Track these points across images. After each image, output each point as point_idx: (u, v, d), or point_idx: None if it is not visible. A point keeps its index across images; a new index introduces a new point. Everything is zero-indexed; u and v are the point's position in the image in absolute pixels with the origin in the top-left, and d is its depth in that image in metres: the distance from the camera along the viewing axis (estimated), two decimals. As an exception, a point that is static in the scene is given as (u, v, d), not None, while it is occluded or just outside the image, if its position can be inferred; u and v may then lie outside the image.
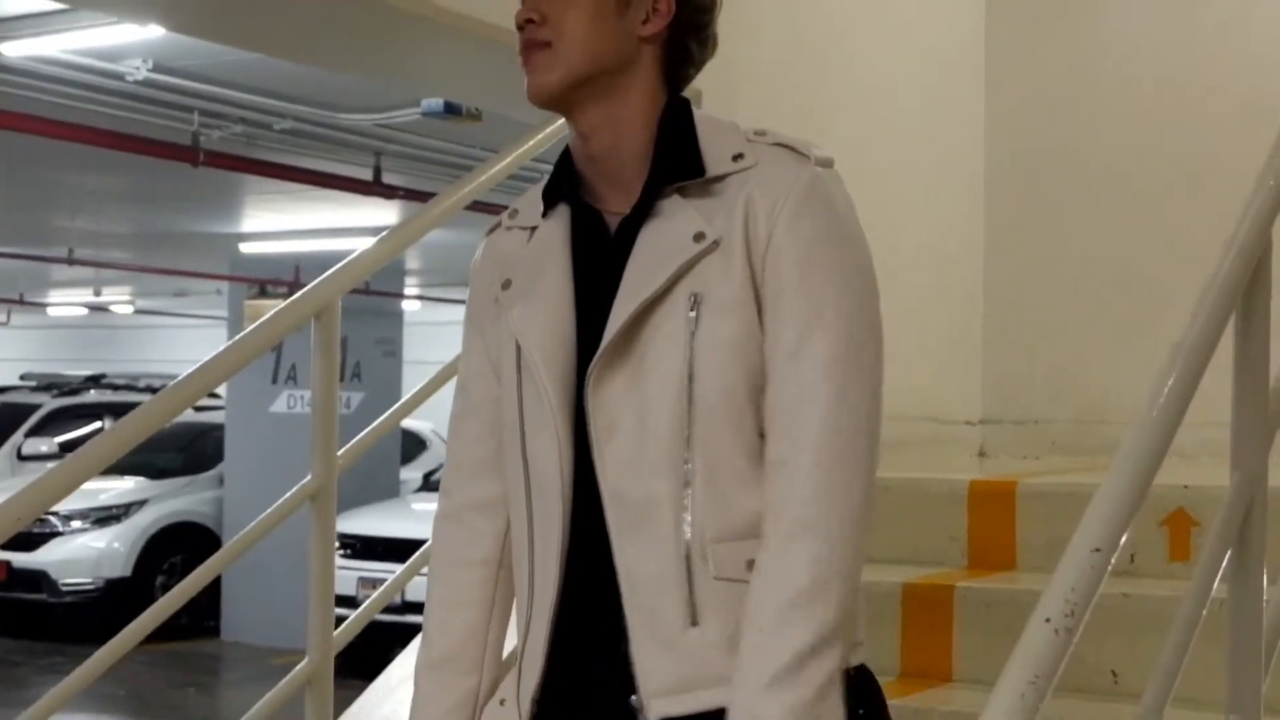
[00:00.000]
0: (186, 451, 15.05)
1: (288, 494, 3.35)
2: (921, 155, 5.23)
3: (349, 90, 6.87)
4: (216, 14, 3.64)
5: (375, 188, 8.91)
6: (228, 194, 10.08)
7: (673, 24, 1.98)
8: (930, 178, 5.30)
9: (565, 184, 2.02)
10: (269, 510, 3.34)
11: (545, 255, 2.00)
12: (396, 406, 3.91)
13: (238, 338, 3.24)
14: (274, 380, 13.81)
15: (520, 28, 1.96)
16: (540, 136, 3.83)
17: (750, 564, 1.86)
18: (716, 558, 1.86)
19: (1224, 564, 2.35)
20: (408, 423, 14.28)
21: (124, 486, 14.09)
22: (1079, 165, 5.46)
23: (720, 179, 1.92)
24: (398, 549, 10.53)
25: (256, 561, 13.60)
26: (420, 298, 17.61)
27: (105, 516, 13.79)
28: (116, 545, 13.70)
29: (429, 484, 14.02)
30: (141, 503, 14.07)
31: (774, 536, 1.83)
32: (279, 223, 11.78)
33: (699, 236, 1.88)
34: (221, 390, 17.28)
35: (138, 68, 6.40)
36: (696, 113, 2.00)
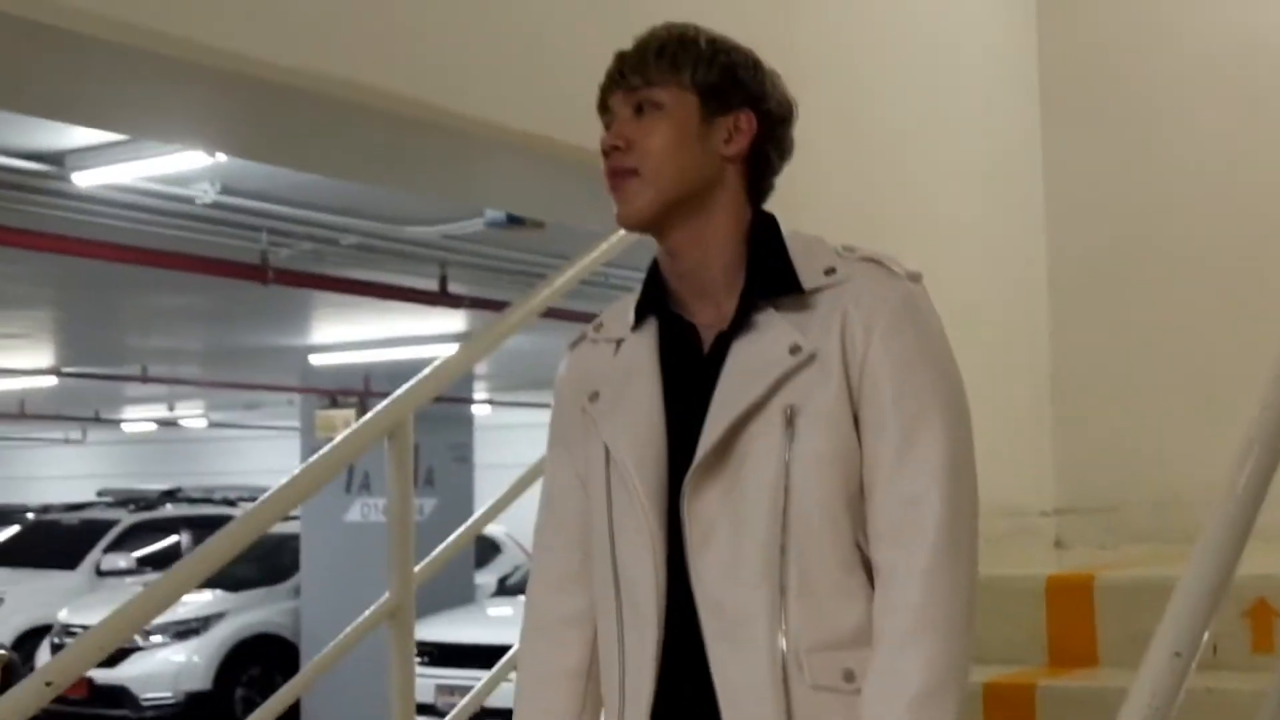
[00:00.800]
0: (263, 563, 15.10)
1: (365, 613, 3.38)
2: (984, 252, 5.23)
3: (413, 204, 6.97)
4: (275, 139, 3.70)
5: (442, 298, 8.99)
6: (296, 308, 10.21)
7: (754, 139, 2.03)
8: (994, 273, 5.30)
9: (655, 297, 2.05)
10: (347, 630, 3.36)
11: (635, 367, 2.04)
12: (471, 521, 3.94)
13: (313, 459, 3.27)
14: (348, 490, 13.86)
15: (605, 153, 2.00)
16: (608, 244, 3.86)
17: (847, 674, 1.88)
18: (813, 667, 1.88)
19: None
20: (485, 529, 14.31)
21: (203, 599, 14.15)
22: (1143, 252, 5.45)
23: (814, 293, 1.96)
24: (475, 655, 10.52)
25: (335, 674, 13.58)
26: (490, 402, 17.66)
27: (185, 630, 13.83)
28: (196, 659, 13.73)
29: (504, 588, 14.00)
30: (220, 615, 14.12)
31: (891, 639, 1.86)
32: (348, 334, 11.90)
33: (795, 349, 1.92)
34: (296, 500, 17.40)
35: (206, 190, 6.52)
36: (784, 228, 2.04)
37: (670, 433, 1.99)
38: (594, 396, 2.06)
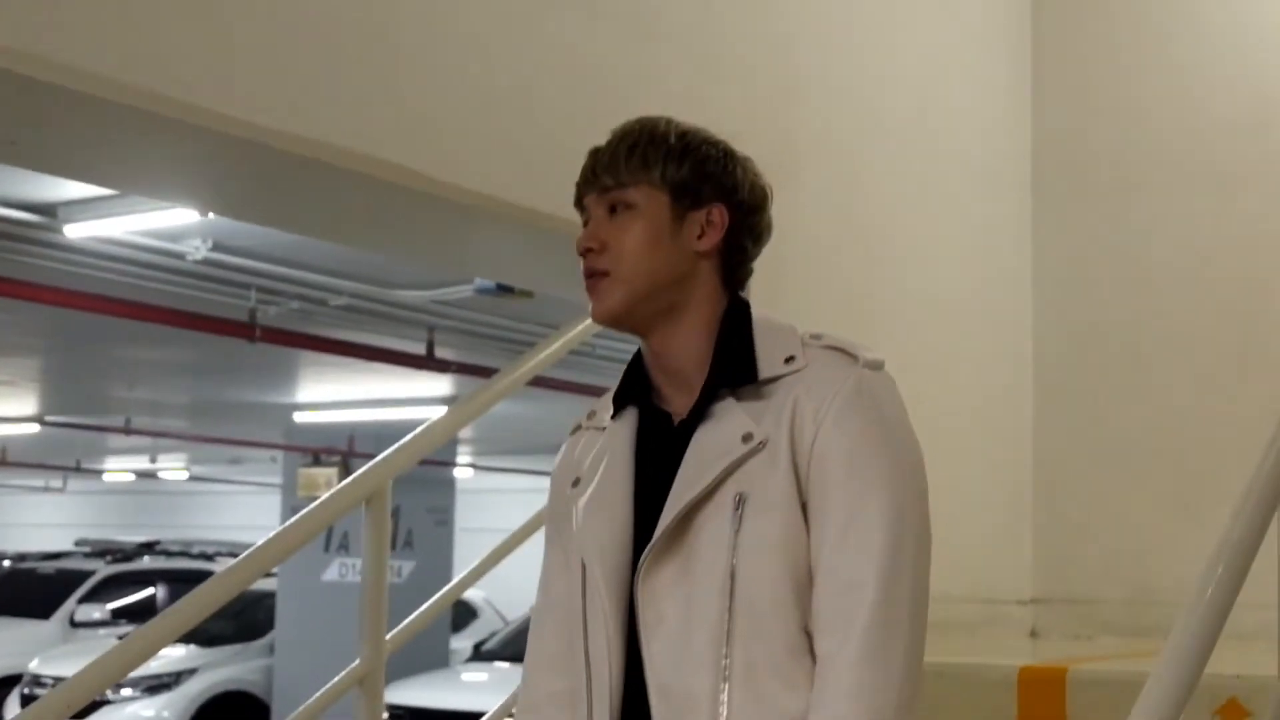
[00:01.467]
0: (238, 619, 15.01)
1: (336, 678, 3.37)
2: (970, 336, 5.26)
3: (403, 267, 6.99)
4: (265, 200, 3.72)
5: (428, 361, 9.00)
6: (282, 365, 10.21)
7: (727, 232, 2.05)
8: (979, 358, 5.33)
9: (636, 386, 2.09)
10: (317, 695, 3.34)
11: (611, 455, 2.08)
12: (447, 589, 3.94)
13: (292, 520, 3.28)
14: (326, 549, 13.83)
15: (582, 254, 2.02)
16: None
17: None
18: None
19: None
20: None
21: (175, 654, 14.03)
22: (1128, 342, 5.49)
23: (772, 381, 1.98)
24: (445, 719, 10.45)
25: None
26: (473, 466, 17.64)
27: (156, 685, 13.70)
28: (166, 714, 13.59)
29: (480, 654, 13.94)
30: (192, 671, 14.00)
31: None
32: (333, 393, 11.89)
33: (747, 437, 1.94)
34: (274, 558, 17.31)
35: (197, 247, 6.54)
36: (756, 315, 2.06)
37: (638, 521, 2.02)
38: (575, 483, 2.11)
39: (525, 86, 3.60)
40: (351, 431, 13.45)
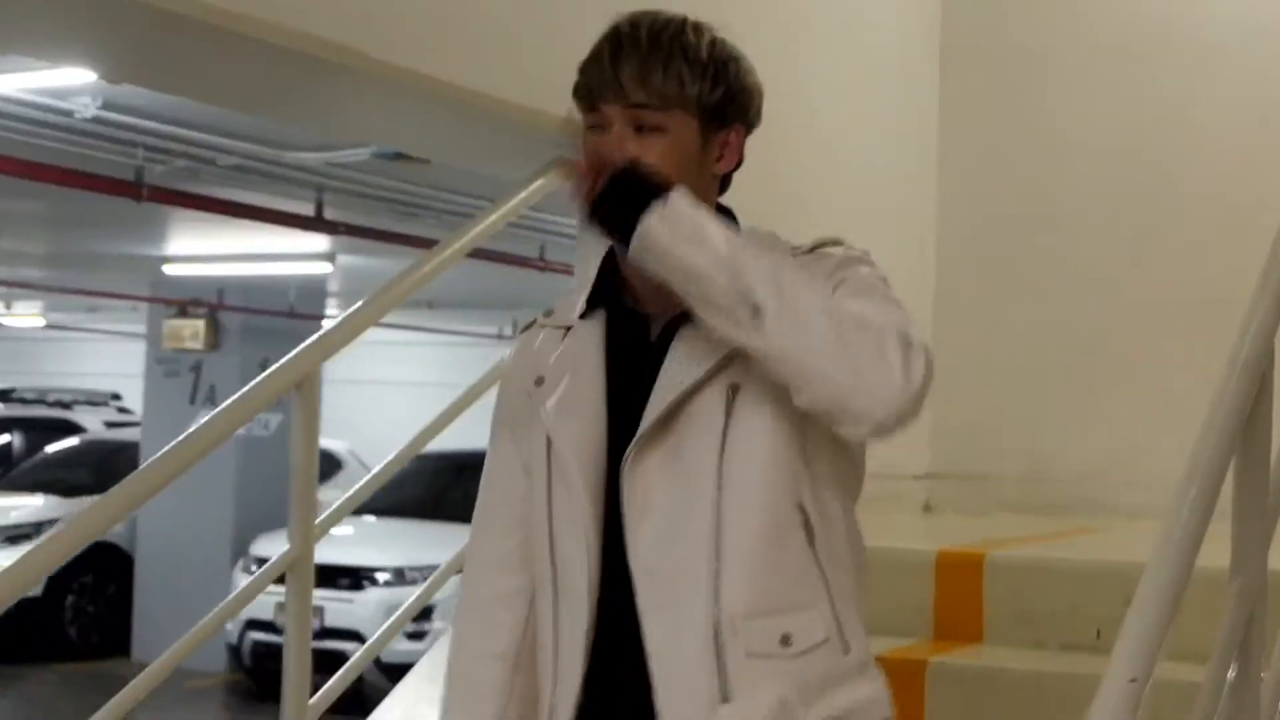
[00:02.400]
0: (98, 469, 14.82)
1: (265, 565, 3.33)
2: (878, 220, 5.27)
3: (296, 128, 6.83)
4: (148, 62, 3.55)
5: (317, 223, 8.86)
6: (154, 219, 9.93)
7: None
8: (886, 241, 5.33)
9: (606, 288, 2.08)
10: (244, 586, 3.31)
11: (581, 353, 2.08)
12: (387, 461, 3.85)
13: (215, 412, 3.19)
14: (192, 401, 13.65)
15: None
16: (529, 191, 3.83)
17: (784, 638, 1.92)
18: (748, 634, 1.92)
19: (1230, 674, 2.37)
20: (325, 442, 14.18)
21: (34, 504, 13.87)
22: (1030, 229, 5.55)
23: None
24: (317, 574, 10.41)
25: (170, 581, 13.46)
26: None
27: (16, 535, 13.53)
28: (26, 565, 13.44)
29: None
30: (53, 522, 13.83)
31: None
32: (204, 246, 11.63)
33: None
34: (137, 408, 17.06)
35: (86, 105, 6.33)
36: (742, 225, 2.07)
37: (611, 418, 2.02)
38: (539, 381, 2.09)
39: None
40: (221, 285, 13.22)
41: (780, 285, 1.85)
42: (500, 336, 18.92)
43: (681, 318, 1.98)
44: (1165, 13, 5.39)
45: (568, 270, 11.67)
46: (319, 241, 10.02)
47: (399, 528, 11.34)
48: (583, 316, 2.10)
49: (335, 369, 12.90)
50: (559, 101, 3.67)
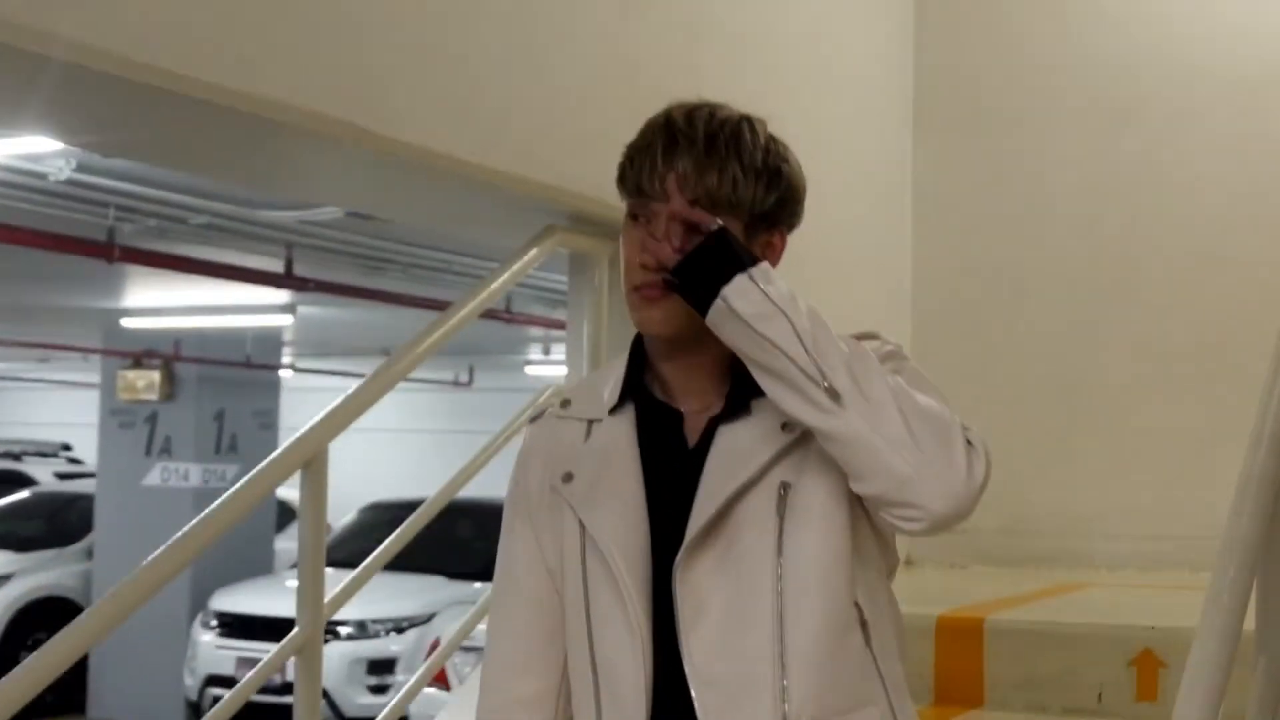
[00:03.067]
0: (51, 522, 14.69)
1: (273, 650, 3.30)
2: (852, 267, 5.30)
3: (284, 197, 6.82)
4: (107, 128, 3.47)
5: (287, 280, 8.83)
6: (109, 273, 9.84)
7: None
8: (860, 289, 5.38)
9: (634, 381, 2.04)
10: (257, 668, 3.28)
11: (614, 448, 2.02)
12: (412, 519, 3.87)
13: (230, 493, 3.17)
14: (148, 453, 13.55)
15: (643, 266, 1.95)
16: (534, 254, 3.87)
17: None
18: None
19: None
20: (281, 492, 14.10)
21: (-14, 558, 13.73)
22: (1006, 276, 5.61)
23: None
24: (275, 627, 10.31)
25: (126, 637, 13.30)
26: (296, 367, 17.28)
27: (-30, 590, 13.41)
28: (-18, 619, 13.33)
29: (304, 557, 13.78)
30: (7, 576, 13.69)
31: None
32: (160, 299, 11.53)
33: (787, 426, 1.93)
34: (89, 458, 16.88)
35: (61, 168, 6.27)
36: None
37: (651, 518, 1.98)
38: (568, 477, 2.03)
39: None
40: (177, 335, 13.13)
41: (854, 369, 1.84)
42: (456, 383, 18.87)
43: (725, 414, 1.97)
44: (1135, 73, 5.47)
45: (532, 321, 11.72)
46: (281, 294, 9.97)
47: (350, 576, 11.22)
48: (612, 411, 2.05)
49: (291, 417, 12.79)
50: (545, 170, 3.71)
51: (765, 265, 1.89)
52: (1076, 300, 5.49)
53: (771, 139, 2.03)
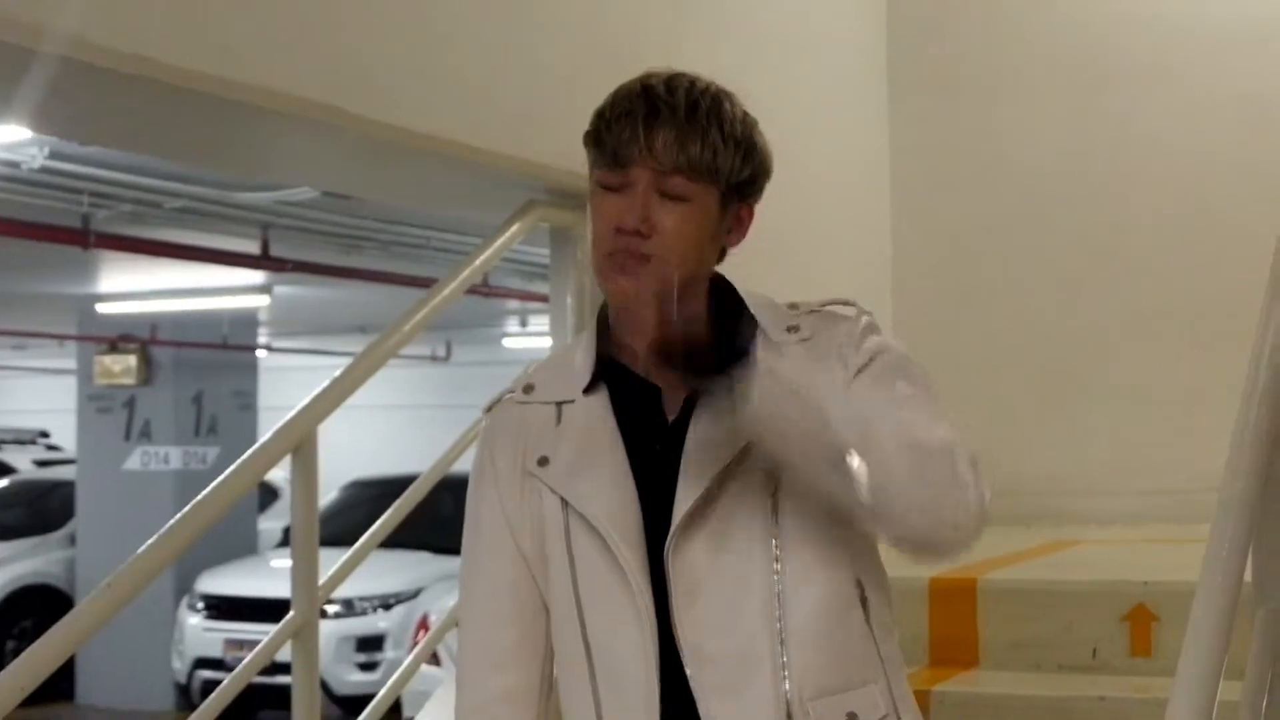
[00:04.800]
0: (32, 509, 14.64)
1: (271, 633, 3.29)
2: (832, 235, 5.30)
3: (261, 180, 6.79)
4: (85, 117, 3.43)
5: (265, 261, 8.80)
6: (84, 259, 9.80)
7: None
8: (841, 256, 5.37)
9: (609, 357, 2.03)
10: (256, 651, 3.27)
11: (590, 428, 2.00)
12: (399, 502, 3.86)
13: (220, 480, 3.15)
14: (127, 437, 13.50)
15: (619, 230, 1.93)
16: (516, 228, 3.89)
17: (850, 717, 1.90)
18: (817, 714, 1.89)
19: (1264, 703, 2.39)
20: (263, 473, 14.04)
21: (-31, 548, 13.68)
22: (989, 240, 5.61)
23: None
24: (261, 609, 10.30)
25: (112, 622, 13.22)
26: (273, 347, 17.23)
27: (-46, 580, 13.37)
28: (-35, 609, 13.29)
29: (289, 539, 13.76)
30: (-10, 567, 13.67)
31: None
32: (135, 283, 11.48)
33: None
34: (66, 445, 16.82)
35: (34, 156, 6.23)
36: (740, 289, 2.04)
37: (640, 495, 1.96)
38: (543, 461, 2.00)
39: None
40: (153, 319, 13.07)
41: (860, 426, 1.81)
42: (434, 358, 18.82)
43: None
44: (1111, 32, 5.47)
45: (509, 295, 11.68)
46: (256, 275, 9.94)
47: (343, 557, 11.22)
48: (586, 390, 2.02)
49: (269, 396, 12.77)
50: (526, 146, 3.69)
51: (767, 360, 1.85)
52: (1060, 259, 5.50)
53: (746, 112, 2.02)
